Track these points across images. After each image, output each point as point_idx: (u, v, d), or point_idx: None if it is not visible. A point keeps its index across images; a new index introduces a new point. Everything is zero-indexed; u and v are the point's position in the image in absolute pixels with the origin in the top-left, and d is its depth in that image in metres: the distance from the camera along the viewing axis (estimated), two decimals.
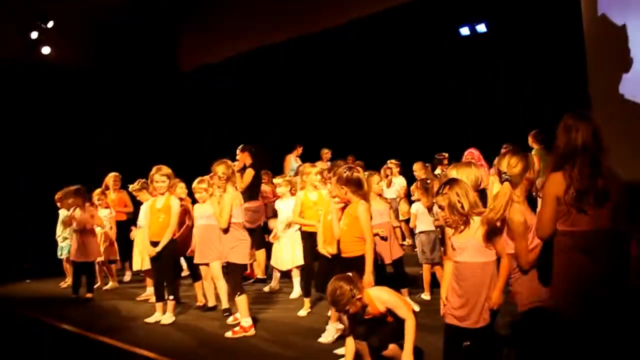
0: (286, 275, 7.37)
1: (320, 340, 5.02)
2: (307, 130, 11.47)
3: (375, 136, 11.22)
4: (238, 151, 8.20)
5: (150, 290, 7.23)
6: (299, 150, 10.52)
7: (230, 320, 5.95)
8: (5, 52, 10.82)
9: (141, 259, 7.50)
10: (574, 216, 3.05)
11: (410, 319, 3.96)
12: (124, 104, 12.52)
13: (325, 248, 5.24)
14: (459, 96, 10.54)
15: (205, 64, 12.58)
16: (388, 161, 9.31)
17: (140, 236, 7.45)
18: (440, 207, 3.74)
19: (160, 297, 6.29)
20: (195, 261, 6.47)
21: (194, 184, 6.50)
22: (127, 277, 9.08)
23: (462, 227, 3.62)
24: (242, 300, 5.47)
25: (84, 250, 7.66)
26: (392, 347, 4.05)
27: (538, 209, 3.33)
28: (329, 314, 5.20)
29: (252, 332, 5.45)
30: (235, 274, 5.62)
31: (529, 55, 9.58)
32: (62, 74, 11.71)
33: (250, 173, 7.85)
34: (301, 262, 6.70)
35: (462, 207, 3.58)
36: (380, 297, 4.06)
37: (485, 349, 3.64)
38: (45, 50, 11.35)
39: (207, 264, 6.33)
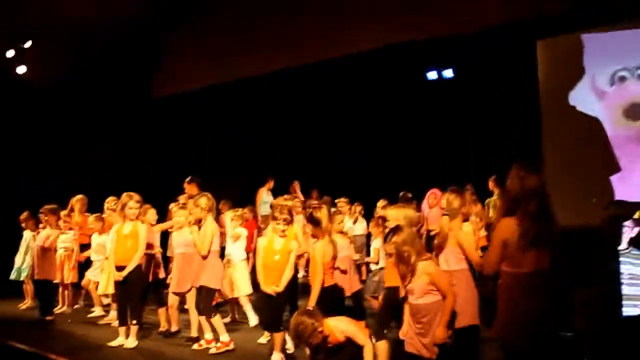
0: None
1: None
2: (279, 164, 11.67)
3: (343, 172, 11.41)
4: (185, 183, 8.54)
5: (113, 314, 7.24)
6: (271, 183, 10.60)
7: (195, 346, 6.07)
8: None
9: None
10: (519, 258, 3.29)
11: (368, 344, 4.22)
12: (96, 125, 12.56)
13: (270, 287, 5.26)
14: (426, 137, 10.89)
15: (179, 92, 12.77)
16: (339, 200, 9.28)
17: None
18: (389, 254, 4.05)
19: (123, 321, 6.34)
20: (173, 290, 6.49)
21: (174, 208, 6.63)
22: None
23: (410, 276, 3.93)
24: (217, 320, 5.88)
25: (47, 269, 7.69)
26: None
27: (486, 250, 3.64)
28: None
29: (232, 346, 5.85)
30: (208, 297, 5.84)
31: (491, 100, 10.09)
32: (37, 93, 11.78)
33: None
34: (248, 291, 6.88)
35: (409, 256, 3.89)
36: (338, 327, 4.28)
37: None
38: (21, 69, 11.39)
39: (182, 293, 6.42)
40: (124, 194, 6.46)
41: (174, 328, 6.75)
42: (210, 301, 5.88)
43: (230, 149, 12.77)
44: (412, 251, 3.87)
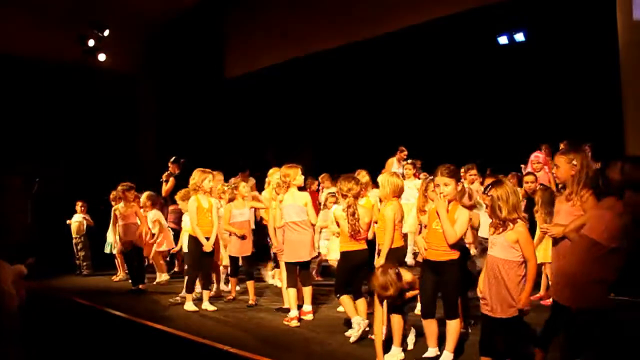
0: None
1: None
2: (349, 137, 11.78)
3: (416, 140, 11.37)
4: (170, 162, 10.23)
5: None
6: (403, 154, 10.52)
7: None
8: (63, 57, 11.60)
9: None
10: None
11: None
12: (170, 108, 13.10)
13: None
14: (497, 104, 10.69)
15: (250, 71, 13.07)
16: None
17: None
18: (486, 205, 4.07)
19: (205, 286, 6.94)
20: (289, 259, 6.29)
21: (274, 179, 6.83)
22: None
23: (500, 229, 3.96)
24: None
25: (129, 240, 8.16)
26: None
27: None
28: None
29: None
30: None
31: (566, 62, 9.73)
32: (115, 79, 12.43)
33: (172, 182, 9.90)
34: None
35: (501, 210, 3.91)
36: (407, 279, 4.59)
37: (511, 340, 3.94)
38: (102, 57, 12.02)
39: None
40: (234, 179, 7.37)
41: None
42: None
43: (303, 124, 12.95)
44: (504, 206, 3.90)
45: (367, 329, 5.20)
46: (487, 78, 10.77)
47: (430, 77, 11.35)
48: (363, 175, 6.35)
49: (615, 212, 3.67)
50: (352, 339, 5.15)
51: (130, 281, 8.38)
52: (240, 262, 7.29)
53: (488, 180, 6.24)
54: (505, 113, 10.67)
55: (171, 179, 10.03)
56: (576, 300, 3.76)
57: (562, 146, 7.66)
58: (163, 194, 9.98)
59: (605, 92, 8.97)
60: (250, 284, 7.12)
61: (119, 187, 8.36)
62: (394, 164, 10.35)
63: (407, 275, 4.62)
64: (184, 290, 7.15)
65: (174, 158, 10.27)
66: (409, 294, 4.64)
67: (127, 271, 8.81)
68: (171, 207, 9.70)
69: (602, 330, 3.72)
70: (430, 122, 11.46)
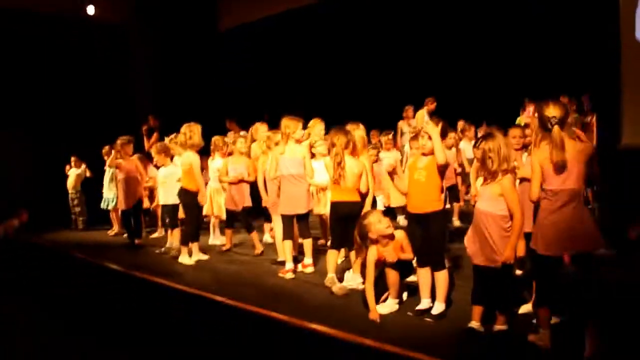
0: None
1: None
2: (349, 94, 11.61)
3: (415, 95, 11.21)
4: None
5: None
6: (432, 105, 10.39)
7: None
8: (52, 8, 11.36)
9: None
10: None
11: None
12: (162, 61, 12.90)
13: None
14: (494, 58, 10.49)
15: (243, 23, 12.82)
16: None
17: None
18: (476, 158, 4.06)
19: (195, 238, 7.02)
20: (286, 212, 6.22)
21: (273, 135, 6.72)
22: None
23: (489, 181, 3.96)
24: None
25: (129, 196, 8.05)
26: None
27: None
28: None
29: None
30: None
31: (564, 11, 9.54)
32: (106, 31, 12.21)
33: (156, 136, 10.26)
34: None
35: (492, 162, 3.90)
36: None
37: (498, 291, 4.02)
38: (90, 9, 11.76)
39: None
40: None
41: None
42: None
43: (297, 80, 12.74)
44: (495, 159, 3.89)
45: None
46: (489, 32, 10.53)
47: (429, 28, 11.09)
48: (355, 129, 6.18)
49: None
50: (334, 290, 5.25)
51: (125, 235, 8.39)
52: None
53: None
54: (505, 67, 10.47)
55: (155, 133, 10.02)
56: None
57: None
58: (146, 148, 9.86)
59: (604, 42, 8.85)
60: (254, 236, 7.21)
61: (118, 141, 8.22)
62: (424, 116, 10.18)
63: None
64: (173, 242, 7.30)
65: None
66: (403, 255, 4.66)
67: (122, 226, 8.81)
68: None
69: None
70: (430, 76, 11.21)
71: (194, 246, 6.96)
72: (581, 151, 3.69)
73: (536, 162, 3.72)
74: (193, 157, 6.72)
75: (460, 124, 9.65)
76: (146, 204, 8.54)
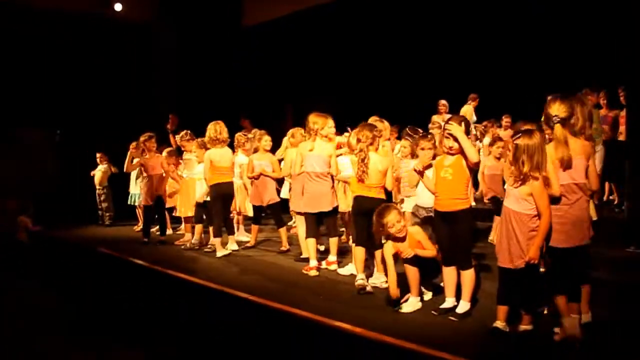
0: None
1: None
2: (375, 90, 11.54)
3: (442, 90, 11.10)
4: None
5: (188, 236, 7.95)
6: (476, 102, 10.31)
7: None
8: (80, 8, 11.51)
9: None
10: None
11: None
12: (188, 58, 12.97)
13: None
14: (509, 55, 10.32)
15: (267, 20, 12.80)
16: None
17: (184, 187, 8.03)
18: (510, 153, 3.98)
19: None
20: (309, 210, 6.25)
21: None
22: None
23: (518, 182, 3.86)
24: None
25: (152, 193, 8.13)
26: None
27: None
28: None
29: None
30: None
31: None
32: (132, 29, 12.33)
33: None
34: None
35: (523, 164, 3.80)
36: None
37: (523, 291, 3.95)
38: (117, 6, 11.89)
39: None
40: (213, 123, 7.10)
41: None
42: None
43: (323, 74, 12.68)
44: (527, 161, 3.78)
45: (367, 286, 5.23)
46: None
47: (451, 24, 10.92)
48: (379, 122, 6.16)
49: None
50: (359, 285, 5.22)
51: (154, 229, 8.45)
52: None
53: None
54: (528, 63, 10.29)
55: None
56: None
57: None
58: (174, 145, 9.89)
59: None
60: (282, 231, 7.25)
61: (140, 139, 8.33)
62: (472, 114, 10.05)
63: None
64: (195, 236, 7.52)
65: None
66: (421, 252, 4.60)
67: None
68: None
69: None
70: (460, 72, 11.05)
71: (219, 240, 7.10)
72: (584, 147, 3.87)
73: (549, 159, 3.80)
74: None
75: (480, 127, 9.57)
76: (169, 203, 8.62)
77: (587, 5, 9.31)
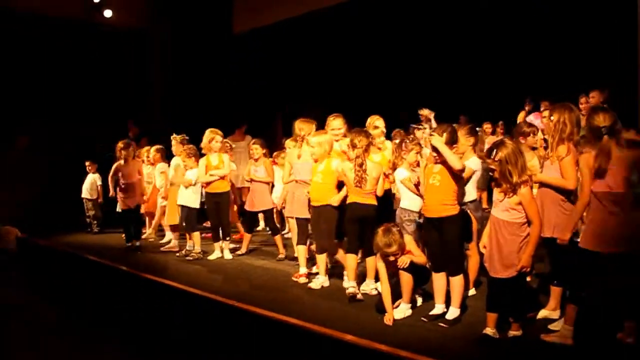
0: None
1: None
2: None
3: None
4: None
5: (174, 242, 7.99)
6: (530, 106, 9.80)
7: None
8: (69, 13, 11.48)
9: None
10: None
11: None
12: (178, 65, 12.96)
13: None
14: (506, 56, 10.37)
15: (258, 27, 12.80)
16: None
17: (171, 194, 7.97)
18: (493, 169, 4.00)
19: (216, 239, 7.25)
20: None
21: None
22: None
23: (511, 193, 3.89)
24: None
25: (128, 199, 8.11)
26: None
27: None
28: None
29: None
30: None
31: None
32: (122, 36, 12.30)
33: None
34: None
35: (511, 175, 3.84)
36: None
37: (513, 299, 3.97)
38: (107, 13, 11.86)
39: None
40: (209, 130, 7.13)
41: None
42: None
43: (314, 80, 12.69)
44: (514, 171, 3.83)
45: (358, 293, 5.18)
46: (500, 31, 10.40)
47: (444, 30, 10.95)
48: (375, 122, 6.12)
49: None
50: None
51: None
52: None
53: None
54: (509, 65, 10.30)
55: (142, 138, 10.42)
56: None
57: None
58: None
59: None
60: (277, 239, 7.21)
61: (117, 146, 8.26)
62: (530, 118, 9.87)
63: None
64: (194, 246, 7.37)
65: None
66: (416, 260, 4.57)
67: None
68: None
69: None
70: (446, 75, 11.05)
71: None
72: (625, 157, 3.69)
73: (585, 167, 3.73)
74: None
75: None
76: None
77: (587, 5, 9.34)
